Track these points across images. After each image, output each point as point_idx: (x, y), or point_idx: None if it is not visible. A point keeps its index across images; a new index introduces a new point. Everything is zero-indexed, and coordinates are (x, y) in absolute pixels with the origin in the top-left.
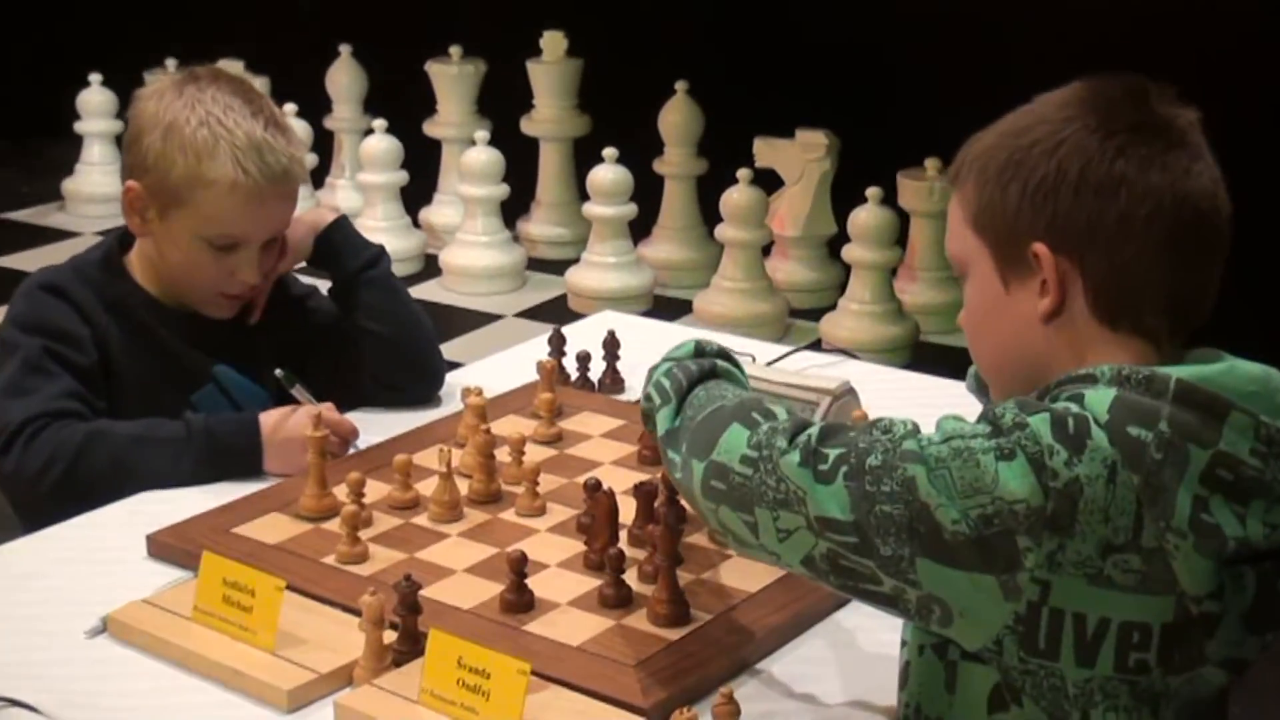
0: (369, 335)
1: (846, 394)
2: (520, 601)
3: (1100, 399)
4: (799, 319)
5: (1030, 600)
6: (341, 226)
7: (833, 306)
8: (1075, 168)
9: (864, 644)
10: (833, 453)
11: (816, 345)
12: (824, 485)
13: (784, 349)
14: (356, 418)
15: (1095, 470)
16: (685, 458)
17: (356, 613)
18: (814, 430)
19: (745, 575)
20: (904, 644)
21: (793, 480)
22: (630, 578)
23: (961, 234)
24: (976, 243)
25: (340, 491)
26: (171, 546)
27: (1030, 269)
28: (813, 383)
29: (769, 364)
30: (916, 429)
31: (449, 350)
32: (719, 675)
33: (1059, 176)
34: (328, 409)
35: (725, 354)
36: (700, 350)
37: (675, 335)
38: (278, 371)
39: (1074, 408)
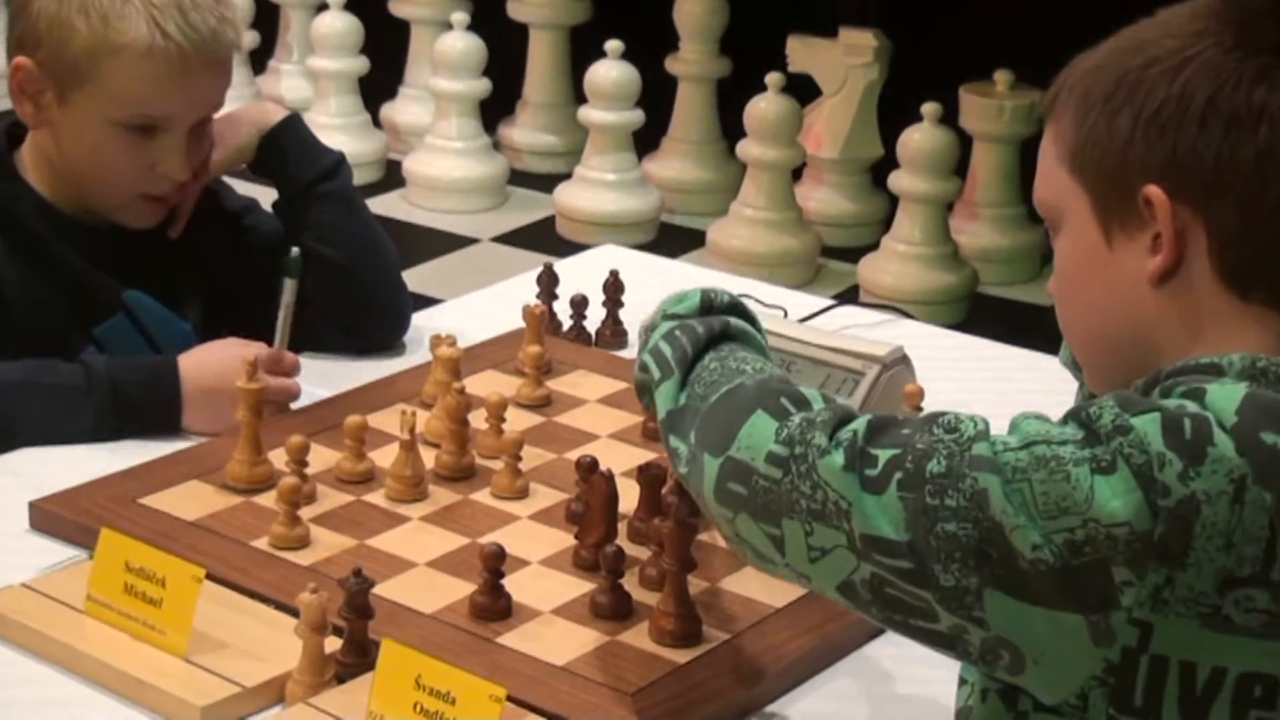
0: (321, 262)
1: (898, 363)
2: (494, 607)
3: (1227, 396)
4: (833, 260)
5: (1126, 646)
6: (293, 126)
7: (874, 246)
8: (1203, 94)
9: (908, 678)
10: (884, 455)
11: (853, 295)
12: (873, 496)
13: (814, 299)
14: (301, 367)
15: (1218, 485)
16: (694, 450)
17: (293, 613)
18: (860, 425)
19: (769, 585)
20: (962, 683)
21: (833, 488)
22: (630, 583)
23: (1055, 175)
24: (1073, 186)
25: (278, 458)
26: (61, 519)
27: (1140, 220)
28: (856, 347)
29: (801, 322)
30: (988, 429)
31: (410, 280)
32: (732, 711)
33: (1182, 104)
34: (268, 354)
35: (738, 307)
36: (708, 304)
37: (692, 278)
38: (293, 251)
39: (1192, 406)
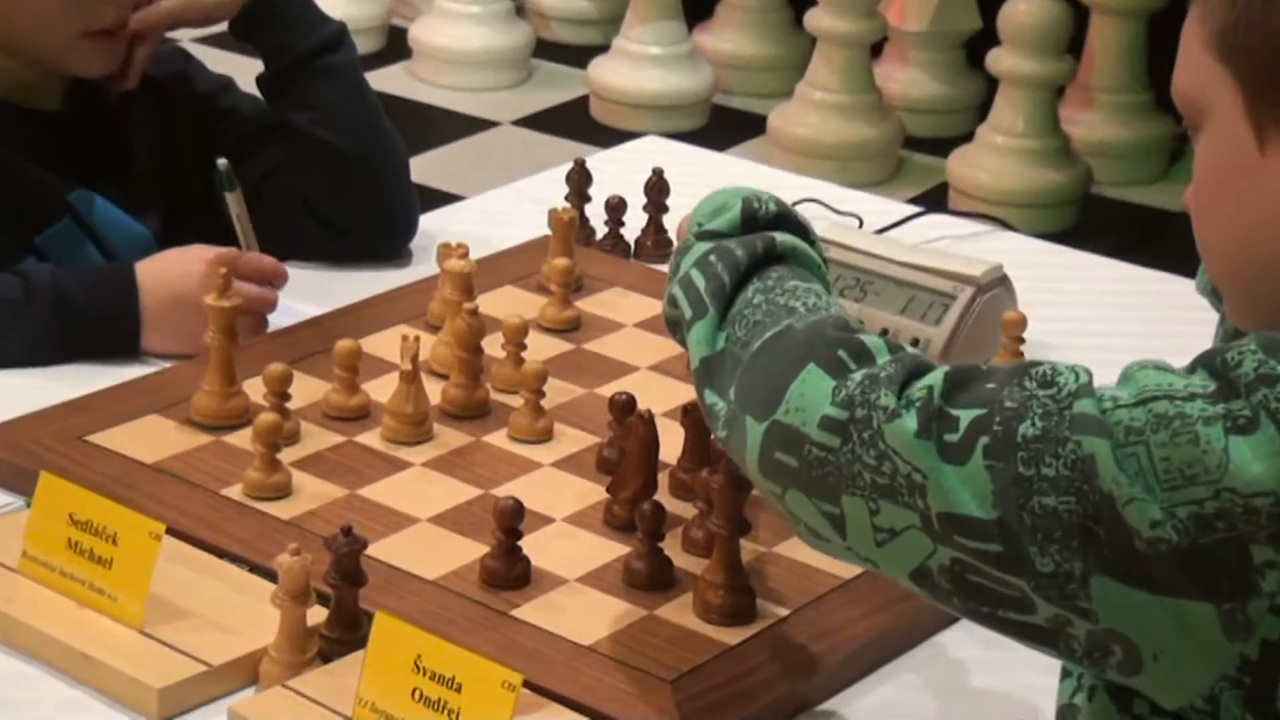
0: (316, 149)
1: (996, 285)
2: (510, 573)
3: None
4: (917, 152)
5: (1266, 640)
6: None
7: (968, 137)
8: None
9: (993, 668)
10: (966, 416)
11: (941, 195)
12: (953, 466)
13: (893, 204)
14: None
15: None
16: (734, 410)
17: (270, 576)
18: (936, 380)
19: None
20: (1066, 676)
21: (904, 458)
22: (671, 547)
23: (1199, 62)
24: (1221, 76)
25: (254, 389)
26: None
27: None
28: (945, 264)
29: (878, 234)
30: (1091, 382)
31: (414, 171)
32: (788, 705)
33: None
34: (245, 258)
35: (788, 217)
36: (750, 216)
37: (749, 176)
38: (220, 163)
39: None
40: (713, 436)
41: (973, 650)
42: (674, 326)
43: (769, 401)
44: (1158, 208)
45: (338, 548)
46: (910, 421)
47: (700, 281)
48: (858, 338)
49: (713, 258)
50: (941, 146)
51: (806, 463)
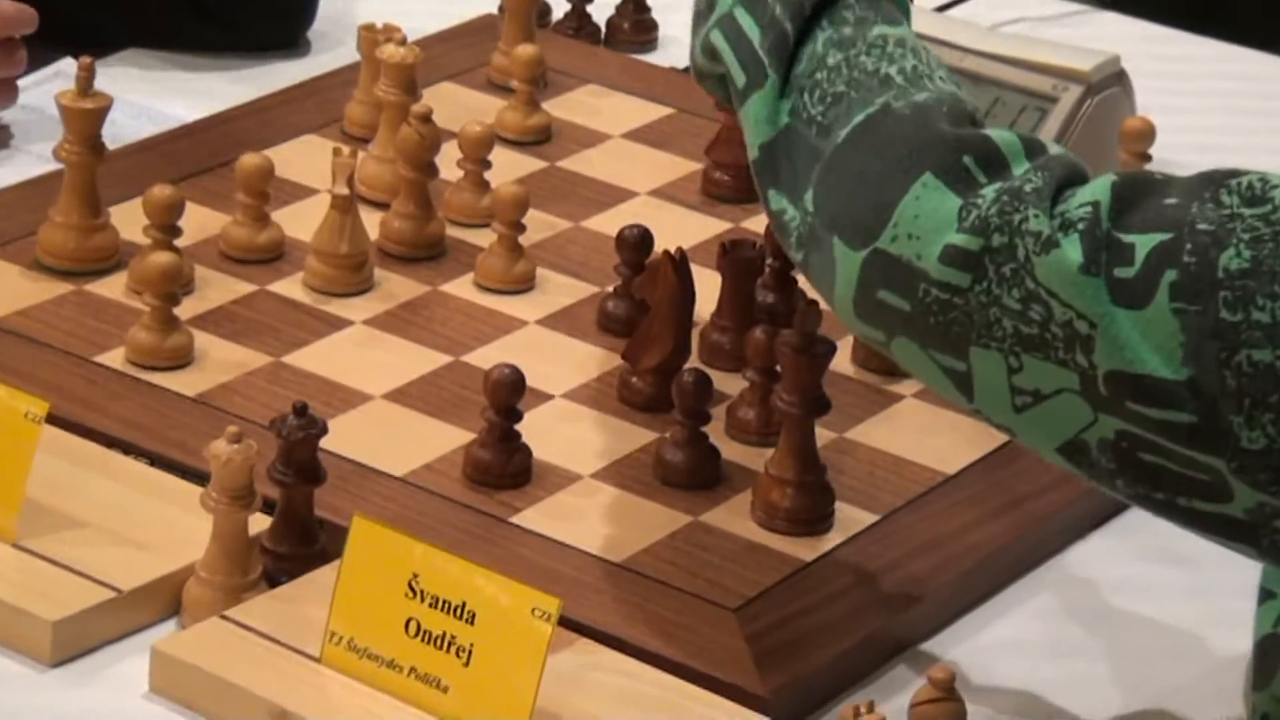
0: None
1: (1113, 83)
2: (507, 467)
3: None
4: None
5: None
6: None
7: None
8: None
9: (1158, 590)
10: (1145, 243)
11: None
12: (1129, 311)
13: None
14: (148, 75)
15: None
16: (814, 226)
17: (178, 470)
18: (1101, 192)
19: (932, 431)
20: (1268, 598)
21: (1063, 299)
22: (715, 430)
23: None
24: None
25: (124, 215)
26: None
27: None
28: (1042, 55)
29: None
30: None
31: None
32: (889, 640)
33: None
34: None
35: None
36: None
37: None
38: None
39: None
40: (760, 280)
41: (1129, 568)
42: (707, 78)
43: (869, 222)
44: None
45: (289, 433)
46: (1073, 251)
47: (752, 29)
48: (984, 135)
49: None
50: None
51: (923, 306)
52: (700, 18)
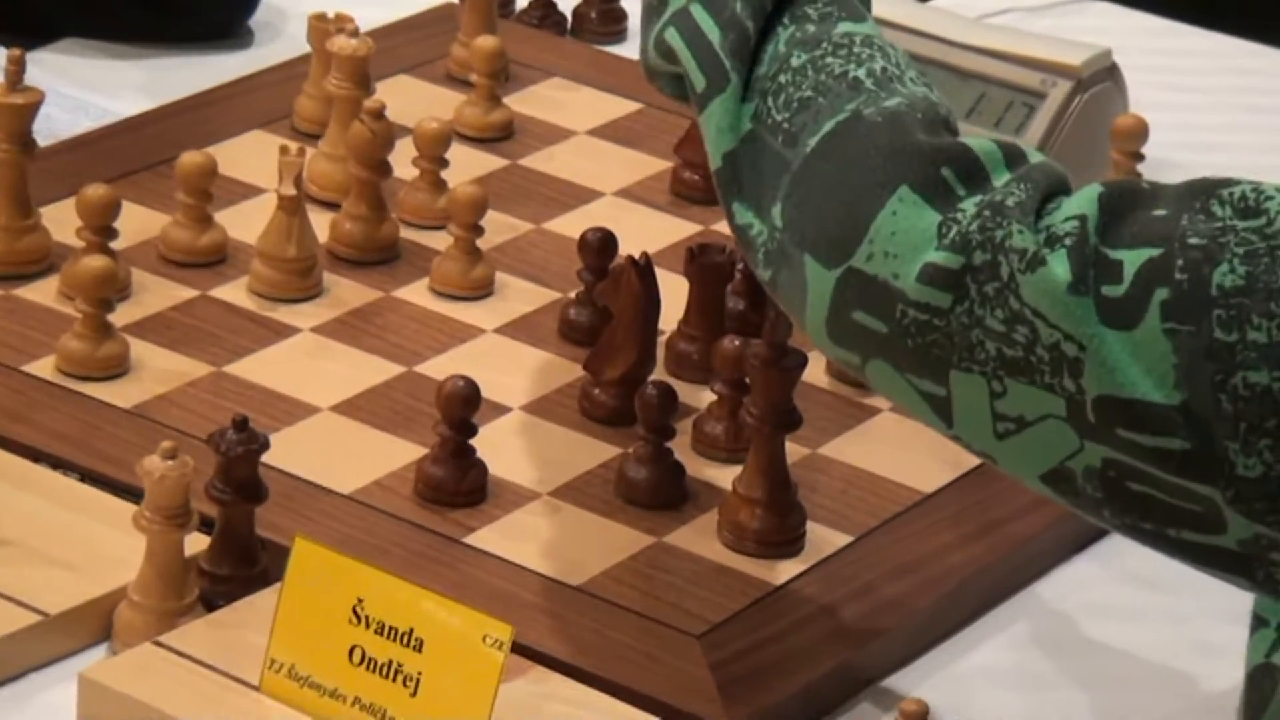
0: None
1: (1104, 78)
2: (461, 484)
3: None
4: None
5: None
6: None
7: None
8: None
9: (1144, 613)
10: (1133, 259)
11: None
12: (1118, 331)
13: None
14: (86, 64)
15: None
16: (783, 243)
17: (110, 487)
18: (1087, 205)
19: (909, 447)
20: (1260, 625)
21: (1050, 320)
22: (681, 445)
23: None
24: None
25: (58, 219)
26: None
27: None
28: (1029, 49)
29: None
30: None
31: None
32: (855, 674)
33: None
34: None
35: None
36: None
37: None
38: None
39: None
40: (730, 286)
41: (1111, 593)
42: (656, 76)
43: (842, 240)
44: None
45: (228, 448)
46: (1060, 269)
47: (710, 28)
48: (963, 144)
49: None
50: None
51: (901, 328)
52: (653, 12)
